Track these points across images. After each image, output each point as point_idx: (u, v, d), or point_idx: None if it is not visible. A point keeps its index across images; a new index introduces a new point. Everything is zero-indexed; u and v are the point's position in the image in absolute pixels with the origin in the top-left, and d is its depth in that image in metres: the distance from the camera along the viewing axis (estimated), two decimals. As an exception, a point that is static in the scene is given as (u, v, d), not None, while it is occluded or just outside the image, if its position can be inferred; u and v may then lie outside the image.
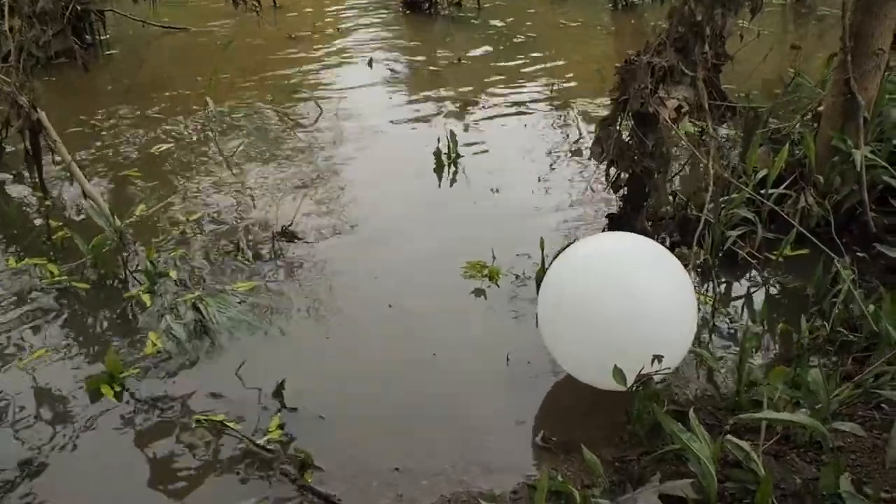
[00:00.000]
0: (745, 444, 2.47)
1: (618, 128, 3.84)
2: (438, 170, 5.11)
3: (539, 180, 4.97)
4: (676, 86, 3.66)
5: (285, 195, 4.79)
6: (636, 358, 2.82)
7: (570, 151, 5.39)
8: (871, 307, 3.22)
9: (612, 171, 3.94)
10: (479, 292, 3.82)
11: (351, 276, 3.99)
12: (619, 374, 2.81)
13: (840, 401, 2.79)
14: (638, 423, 2.86)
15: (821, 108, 4.20)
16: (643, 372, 2.82)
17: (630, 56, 3.75)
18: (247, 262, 4.06)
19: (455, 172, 5.10)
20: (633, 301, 2.87)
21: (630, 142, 3.83)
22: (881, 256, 3.79)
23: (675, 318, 2.92)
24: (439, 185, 5.00)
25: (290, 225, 4.26)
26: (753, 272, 3.87)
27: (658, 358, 2.83)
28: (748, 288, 3.81)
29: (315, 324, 3.64)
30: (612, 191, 4.02)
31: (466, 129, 5.82)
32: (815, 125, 4.22)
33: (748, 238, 3.87)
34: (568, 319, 2.97)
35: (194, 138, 5.68)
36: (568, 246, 3.77)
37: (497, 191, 4.81)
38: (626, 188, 3.96)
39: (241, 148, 5.43)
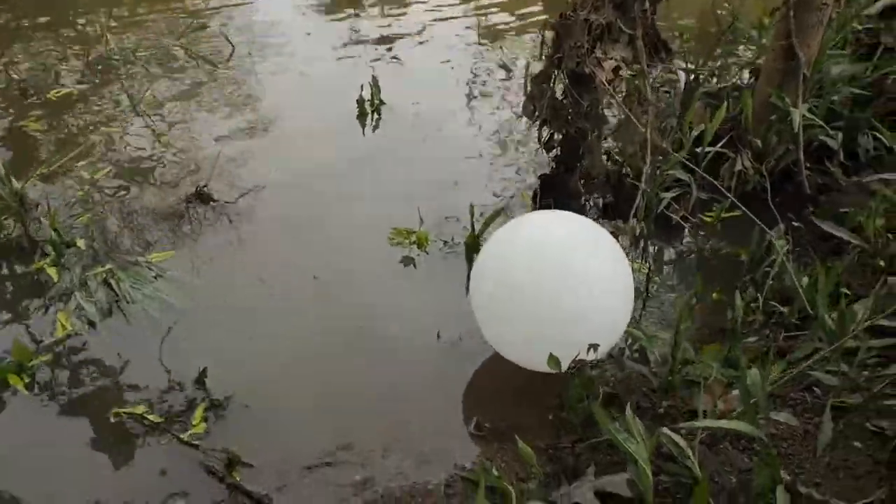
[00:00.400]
0: (681, 441, 2.43)
1: (551, 85, 3.70)
2: (361, 117, 4.86)
3: (467, 126, 4.80)
4: (614, 44, 3.50)
5: (198, 147, 4.50)
6: (571, 341, 2.76)
7: (502, 96, 5.21)
8: (805, 279, 3.21)
9: (545, 130, 3.81)
10: (407, 260, 3.68)
11: (271, 243, 3.80)
12: (554, 361, 2.74)
13: (772, 381, 2.78)
14: (572, 411, 2.81)
15: (760, 61, 4.11)
16: (578, 358, 2.77)
17: (566, 11, 3.57)
18: (160, 229, 3.84)
19: (378, 119, 4.88)
20: (568, 286, 2.78)
21: (564, 101, 3.69)
22: (815, 223, 3.78)
23: (611, 304, 2.85)
24: (363, 133, 4.78)
25: (204, 185, 4.01)
26: (687, 237, 3.82)
27: (594, 347, 2.77)
28: (681, 254, 3.76)
29: (236, 299, 3.45)
30: (544, 150, 3.89)
31: (392, 69, 5.54)
32: (753, 79, 4.14)
33: (682, 199, 3.81)
34: (502, 305, 2.86)
35: (97, 81, 5.28)
36: (497, 214, 3.67)
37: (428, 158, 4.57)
38: (559, 148, 3.84)
39: (148, 92, 5.07)
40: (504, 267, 2.90)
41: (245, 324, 3.32)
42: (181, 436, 2.79)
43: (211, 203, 3.98)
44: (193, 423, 2.85)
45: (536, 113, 3.74)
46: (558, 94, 3.69)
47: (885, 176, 3.44)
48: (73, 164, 4.27)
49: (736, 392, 2.83)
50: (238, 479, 2.66)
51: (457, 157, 4.46)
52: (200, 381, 2.99)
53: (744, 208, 3.26)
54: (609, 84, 3.43)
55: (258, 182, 4.18)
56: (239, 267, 3.64)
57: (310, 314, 3.39)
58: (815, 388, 2.85)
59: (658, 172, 3.70)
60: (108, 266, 3.48)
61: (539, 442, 2.76)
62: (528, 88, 3.79)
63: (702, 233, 3.82)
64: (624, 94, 3.47)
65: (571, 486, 2.51)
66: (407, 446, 2.79)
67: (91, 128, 4.68)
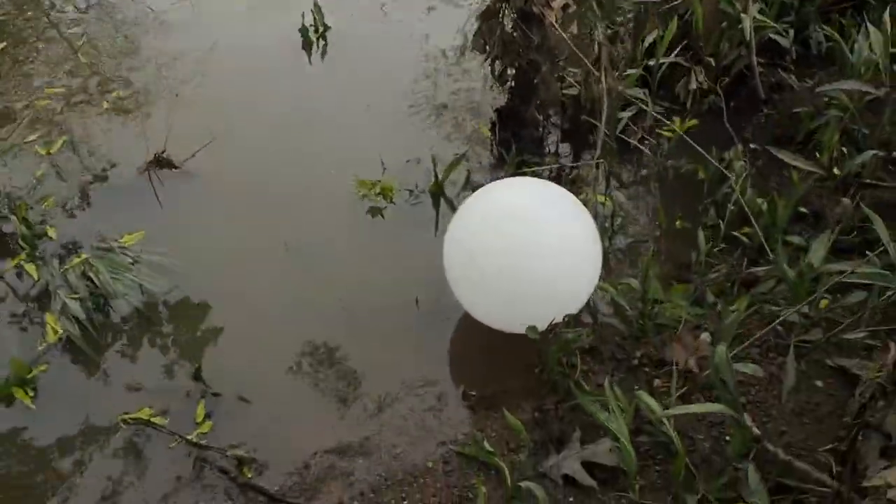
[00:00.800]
0: (658, 409, 2.59)
1: (500, 20, 3.63)
2: (307, 47, 4.73)
3: (420, 46, 4.70)
4: (561, -20, 3.43)
5: (146, 101, 4.39)
6: (545, 305, 2.90)
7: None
8: (764, 205, 3.32)
9: (498, 64, 3.77)
10: (374, 211, 3.73)
11: (237, 208, 3.77)
12: (533, 330, 2.89)
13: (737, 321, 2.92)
14: (552, 374, 2.96)
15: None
16: (554, 322, 2.91)
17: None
18: (126, 205, 3.81)
19: (325, 45, 4.74)
20: (538, 251, 2.87)
21: (514, 35, 3.63)
22: (769, 124, 3.85)
23: (581, 264, 2.95)
24: (310, 61, 4.67)
25: (163, 152, 3.95)
26: (646, 160, 3.86)
27: (568, 316, 2.91)
28: (642, 178, 3.82)
29: (214, 279, 3.47)
30: (498, 84, 3.87)
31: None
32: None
33: (638, 120, 3.83)
34: (475, 275, 2.95)
35: (29, 30, 5.03)
36: (459, 161, 3.71)
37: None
38: (512, 81, 3.81)
39: (83, 41, 4.86)
40: (474, 237, 2.97)
41: (226, 305, 3.38)
42: (189, 437, 2.92)
43: (172, 169, 3.94)
44: (197, 420, 2.97)
45: (487, 48, 3.70)
46: (508, 28, 3.64)
47: (843, 86, 3.47)
48: (25, 135, 4.17)
49: (705, 335, 3.01)
50: (249, 476, 2.82)
51: (411, 84, 4.41)
52: (197, 376, 3.07)
53: (702, 151, 3.30)
54: (558, 22, 3.38)
55: (209, 136, 4.03)
56: (209, 240, 3.64)
57: (287, 289, 3.43)
58: (779, 328, 3.02)
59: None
60: (83, 256, 3.49)
61: (525, 404, 2.93)
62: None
63: (660, 151, 3.87)
64: (575, 33, 3.42)
65: (560, 455, 2.71)
66: (401, 425, 2.94)
67: (34, 89, 4.48)
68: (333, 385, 3.09)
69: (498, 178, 3.76)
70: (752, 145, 3.65)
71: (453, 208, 3.68)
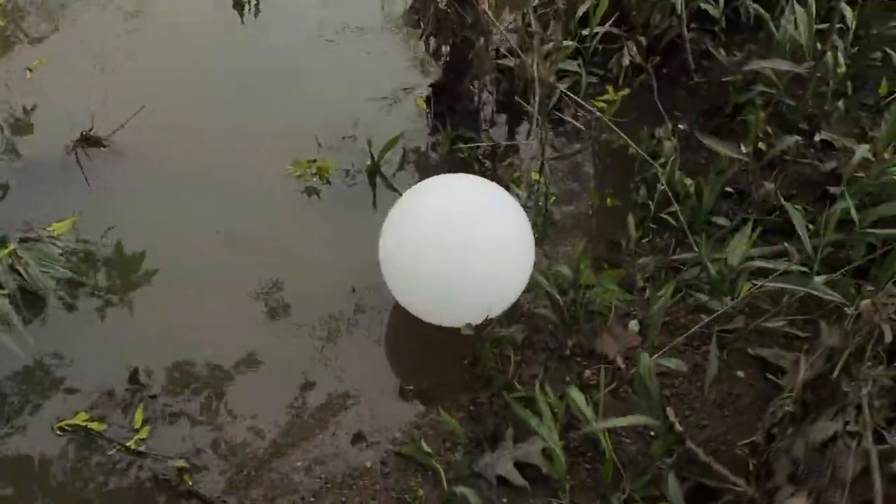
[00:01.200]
0: (590, 414, 2.69)
1: (434, -1, 3.56)
2: (238, 7, 4.57)
3: (357, 12, 4.58)
4: (493, -36, 3.36)
5: (71, 71, 4.22)
6: (480, 305, 2.95)
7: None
8: (692, 187, 3.38)
9: (432, 41, 3.71)
10: (311, 191, 3.69)
11: (168, 188, 3.68)
12: (468, 327, 2.94)
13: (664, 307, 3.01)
14: (485, 368, 3.03)
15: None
16: (487, 319, 2.97)
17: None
18: (53, 188, 3.71)
19: (258, 4, 4.59)
20: (472, 249, 2.89)
21: (448, 12, 3.57)
22: (699, 94, 3.88)
23: (513, 266, 3.00)
24: (242, 22, 4.52)
25: (90, 129, 3.83)
26: (579, 136, 3.88)
27: (498, 318, 2.97)
28: (574, 153, 3.84)
29: (147, 270, 3.42)
30: (433, 60, 3.81)
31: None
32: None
33: (573, 90, 3.81)
34: (409, 269, 2.98)
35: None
36: (395, 142, 3.68)
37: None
38: (447, 57, 3.76)
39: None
40: (409, 232, 2.99)
41: (159, 298, 3.34)
42: (127, 444, 2.91)
43: (101, 147, 3.83)
44: (135, 426, 2.97)
45: (421, 25, 3.63)
46: (442, 6, 3.57)
47: (768, 64, 3.50)
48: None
49: (633, 324, 3.10)
50: (190, 483, 2.85)
51: (347, 46, 4.31)
52: (134, 379, 3.06)
53: (622, 133, 3.32)
54: (491, 8, 3.32)
55: (136, 107, 3.90)
56: (140, 228, 3.56)
57: (219, 278, 3.39)
58: (703, 316, 3.11)
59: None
60: (10, 247, 3.41)
61: (462, 398, 2.99)
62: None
63: (594, 124, 3.86)
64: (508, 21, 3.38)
65: (494, 455, 2.81)
66: (339, 422, 2.97)
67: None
68: (271, 382, 3.09)
69: (434, 158, 3.79)
70: (680, 126, 3.67)
71: (391, 188, 3.67)
